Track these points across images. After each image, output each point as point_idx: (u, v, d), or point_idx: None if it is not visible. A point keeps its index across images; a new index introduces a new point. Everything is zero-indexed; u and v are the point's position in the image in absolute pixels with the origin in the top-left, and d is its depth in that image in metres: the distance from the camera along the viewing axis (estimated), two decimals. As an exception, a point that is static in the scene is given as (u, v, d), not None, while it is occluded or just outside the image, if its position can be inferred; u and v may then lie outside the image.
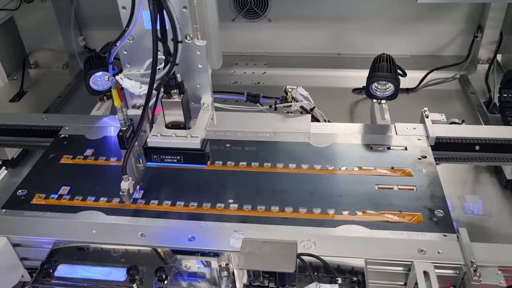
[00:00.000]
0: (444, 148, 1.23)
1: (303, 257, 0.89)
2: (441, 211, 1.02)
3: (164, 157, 1.02)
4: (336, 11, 1.90)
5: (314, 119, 1.34)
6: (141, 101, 1.09)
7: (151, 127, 1.05)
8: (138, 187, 1.11)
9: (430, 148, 1.20)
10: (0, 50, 1.92)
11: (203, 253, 0.94)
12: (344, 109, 1.69)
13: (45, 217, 1.06)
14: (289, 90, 1.34)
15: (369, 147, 1.22)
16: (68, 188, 1.13)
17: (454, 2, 1.79)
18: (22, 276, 1.06)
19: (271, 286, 0.89)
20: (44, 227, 1.03)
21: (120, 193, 1.05)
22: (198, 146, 1.00)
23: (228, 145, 1.24)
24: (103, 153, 1.23)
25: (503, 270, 0.88)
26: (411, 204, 1.04)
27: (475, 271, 0.87)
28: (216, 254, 0.93)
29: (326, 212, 1.03)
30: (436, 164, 1.16)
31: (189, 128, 1.03)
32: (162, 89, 1.00)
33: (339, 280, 0.85)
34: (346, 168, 1.15)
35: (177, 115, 1.02)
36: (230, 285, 0.89)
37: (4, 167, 1.54)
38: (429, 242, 0.95)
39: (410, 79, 1.66)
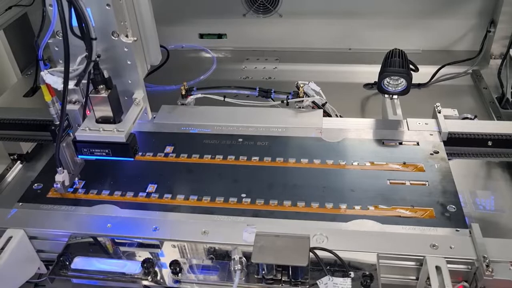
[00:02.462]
0: (456, 143, 1.22)
1: (315, 251, 0.89)
2: (454, 206, 1.02)
3: (93, 150, 1.06)
4: (346, 6, 1.89)
5: (326, 114, 1.34)
6: (77, 96, 1.13)
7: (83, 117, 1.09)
8: (151, 182, 1.13)
9: (442, 143, 1.20)
10: (14, 46, 1.94)
11: (217, 247, 0.95)
12: (355, 104, 1.68)
13: (61, 211, 1.08)
14: (301, 85, 1.34)
15: (381, 142, 1.22)
16: (83, 182, 1.15)
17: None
18: (39, 268, 1.08)
19: (284, 279, 0.89)
20: (60, 220, 1.05)
21: (54, 185, 1.07)
22: (123, 140, 1.03)
23: (240, 140, 1.25)
24: (116, 148, 1.25)
25: (516, 265, 0.89)
26: (423, 199, 1.05)
27: (487, 266, 0.87)
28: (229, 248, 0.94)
29: (338, 207, 1.04)
30: (449, 159, 1.16)
31: (119, 122, 1.06)
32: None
33: (352, 274, 0.86)
34: (358, 163, 1.15)
35: (105, 110, 1.05)
36: (243, 278, 0.90)
37: (19, 161, 1.56)
38: (442, 237, 0.95)
39: (422, 74, 1.65)
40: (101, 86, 1.03)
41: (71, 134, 1.12)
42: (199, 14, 1.99)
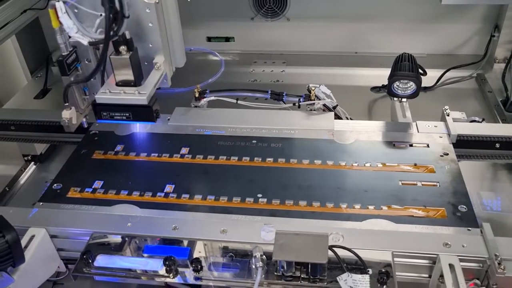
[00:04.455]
0: (465, 145, 1.26)
1: (334, 249, 0.92)
2: (465, 207, 1.05)
3: (113, 114, 1.05)
4: (353, 10, 1.93)
5: (337, 116, 1.37)
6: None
7: (102, 82, 1.08)
8: (169, 182, 1.16)
9: (451, 145, 1.23)
10: (24, 48, 1.97)
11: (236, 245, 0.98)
12: (362, 107, 1.71)
13: (81, 210, 1.10)
14: (312, 88, 1.37)
15: (392, 144, 1.25)
16: (102, 182, 1.17)
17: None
18: (58, 267, 1.11)
19: (302, 276, 0.92)
20: (81, 219, 1.08)
21: (61, 122, 1.06)
22: (145, 102, 1.02)
23: (254, 141, 1.28)
24: (133, 149, 1.27)
25: (526, 263, 0.92)
26: (435, 200, 1.08)
27: (499, 264, 0.90)
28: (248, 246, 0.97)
29: (353, 207, 1.07)
30: (458, 161, 1.19)
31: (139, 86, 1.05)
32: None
33: (370, 271, 0.89)
34: (370, 164, 1.18)
35: (126, 73, 1.03)
36: (264, 276, 0.92)
37: (32, 162, 1.58)
38: (454, 236, 0.98)
39: (427, 78, 1.67)
40: (123, 47, 1.01)
41: (79, 68, 1.09)
42: (207, 17, 2.02)
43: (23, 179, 1.54)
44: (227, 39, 2.08)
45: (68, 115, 1.06)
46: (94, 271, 0.98)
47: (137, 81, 1.04)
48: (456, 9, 1.86)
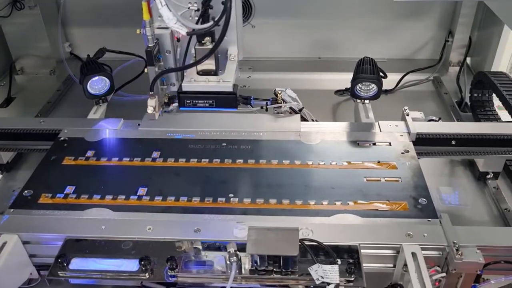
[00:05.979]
0: (424, 143, 1.33)
1: (305, 242, 0.96)
2: (425, 199, 1.12)
3: (196, 101, 1.13)
4: (316, 18, 2.00)
5: (303, 119, 1.42)
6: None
7: (182, 77, 1.17)
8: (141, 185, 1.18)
9: (411, 143, 1.30)
10: (-14, 57, 1.94)
11: (210, 243, 1.01)
12: (327, 110, 1.78)
13: (53, 215, 1.10)
14: (279, 92, 1.42)
15: (356, 143, 1.31)
16: (74, 187, 1.18)
17: (427, 4, 1.91)
18: (31, 273, 1.10)
19: (275, 270, 0.96)
20: (53, 224, 1.08)
21: (148, 110, 1.17)
22: (231, 89, 1.10)
23: (224, 144, 1.31)
24: (104, 154, 1.28)
25: (481, 249, 0.98)
26: (397, 194, 1.14)
27: (457, 250, 0.97)
28: (222, 243, 1.00)
29: (321, 203, 1.12)
30: (418, 158, 1.26)
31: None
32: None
33: (339, 261, 0.94)
34: (336, 163, 1.24)
35: (209, 63, 1.10)
36: (238, 271, 0.95)
37: (-1, 171, 1.56)
38: (415, 227, 1.04)
39: (388, 81, 1.75)
40: (207, 38, 1.06)
41: (161, 59, 1.16)
42: (174, 25, 2.05)
43: (-11, 189, 1.52)
44: (194, 46, 2.10)
45: (153, 103, 1.15)
46: (69, 274, 0.98)
47: (217, 71, 1.12)
48: (413, 17, 1.96)
